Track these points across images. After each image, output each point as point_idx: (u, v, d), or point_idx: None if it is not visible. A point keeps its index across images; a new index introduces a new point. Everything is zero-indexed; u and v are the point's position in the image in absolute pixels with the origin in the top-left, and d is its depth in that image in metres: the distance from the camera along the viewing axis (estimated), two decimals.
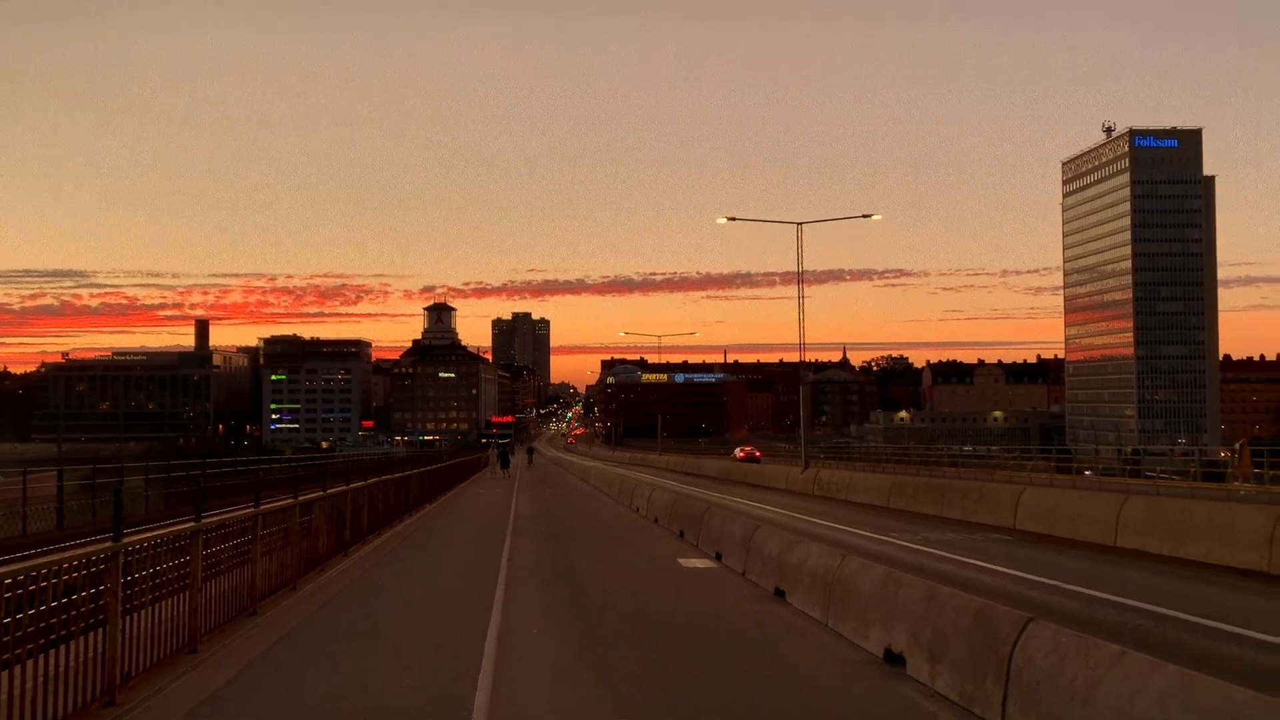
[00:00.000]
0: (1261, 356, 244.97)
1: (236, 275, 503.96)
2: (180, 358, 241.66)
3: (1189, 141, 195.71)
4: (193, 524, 9.28)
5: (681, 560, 16.54)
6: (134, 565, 7.88)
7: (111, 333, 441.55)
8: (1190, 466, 39.16)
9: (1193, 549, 16.18)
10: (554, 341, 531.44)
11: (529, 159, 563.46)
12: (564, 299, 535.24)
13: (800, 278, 41.92)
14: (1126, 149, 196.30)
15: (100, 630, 7.30)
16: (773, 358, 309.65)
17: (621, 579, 14.74)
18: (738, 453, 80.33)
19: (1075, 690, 5.96)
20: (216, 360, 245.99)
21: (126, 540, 7.69)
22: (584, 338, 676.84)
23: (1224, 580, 14.29)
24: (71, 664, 6.77)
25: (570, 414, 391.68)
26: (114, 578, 7.41)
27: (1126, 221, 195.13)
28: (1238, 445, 30.34)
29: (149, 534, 8.47)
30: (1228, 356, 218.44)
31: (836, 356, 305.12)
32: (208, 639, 9.48)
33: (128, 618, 7.67)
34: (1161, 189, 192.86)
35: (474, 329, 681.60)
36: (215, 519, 10.26)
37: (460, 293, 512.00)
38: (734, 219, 45.68)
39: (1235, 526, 15.68)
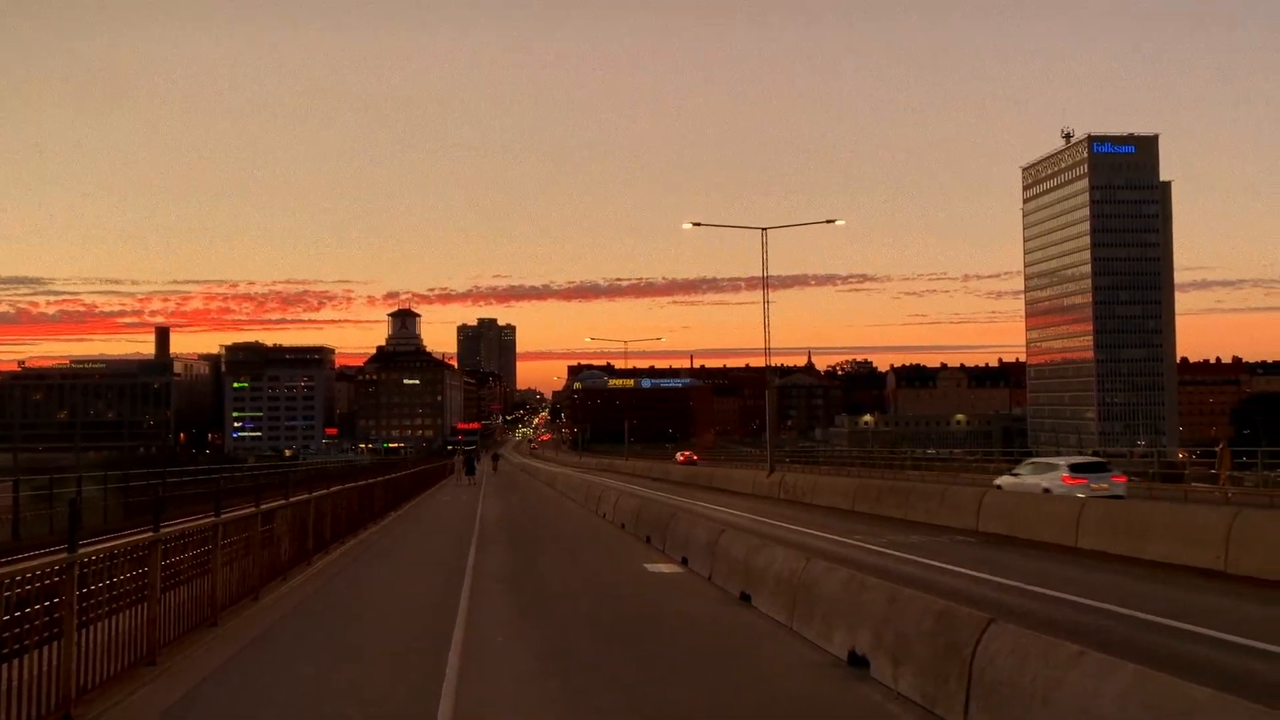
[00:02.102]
0: (1218, 359, 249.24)
1: (197, 282, 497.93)
2: (140, 366, 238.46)
3: (1146, 147, 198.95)
4: (151, 534, 9.14)
5: (648, 565, 16.53)
6: (90, 577, 7.75)
7: (69, 340, 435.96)
8: (1149, 468, 39.77)
9: (1152, 550, 16.39)
10: (520, 347, 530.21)
11: (493, 164, 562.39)
12: (530, 305, 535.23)
13: (765, 282, 42.14)
14: (1085, 155, 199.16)
15: (55, 643, 7.17)
16: (739, 362, 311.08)
17: (588, 585, 14.71)
18: (678, 457, 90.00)
19: (1036, 690, 6.01)
20: (177, 368, 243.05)
21: (82, 551, 7.56)
22: (550, 343, 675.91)
23: (1182, 580, 14.50)
24: (26, 677, 6.65)
25: (536, 420, 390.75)
26: (69, 590, 7.28)
27: (1086, 226, 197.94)
28: (1218, 447, 30.63)
29: (106, 545, 8.34)
30: (1185, 359, 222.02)
31: (802, 361, 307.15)
32: (167, 651, 9.33)
33: (84, 630, 7.54)
34: (1119, 194, 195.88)
35: (439, 335, 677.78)
36: (175, 529, 10.12)
37: (425, 299, 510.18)
38: (699, 224, 45.86)
39: (1193, 527, 15.92)
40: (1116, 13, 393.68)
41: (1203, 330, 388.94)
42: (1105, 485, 25.17)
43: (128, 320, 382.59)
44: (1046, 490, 25.22)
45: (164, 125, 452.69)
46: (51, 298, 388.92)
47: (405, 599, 13.79)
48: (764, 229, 41.54)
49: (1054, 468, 27.28)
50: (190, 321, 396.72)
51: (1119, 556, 16.87)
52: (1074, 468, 26.43)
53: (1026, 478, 27.64)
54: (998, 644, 6.67)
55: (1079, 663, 5.86)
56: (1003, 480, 29.01)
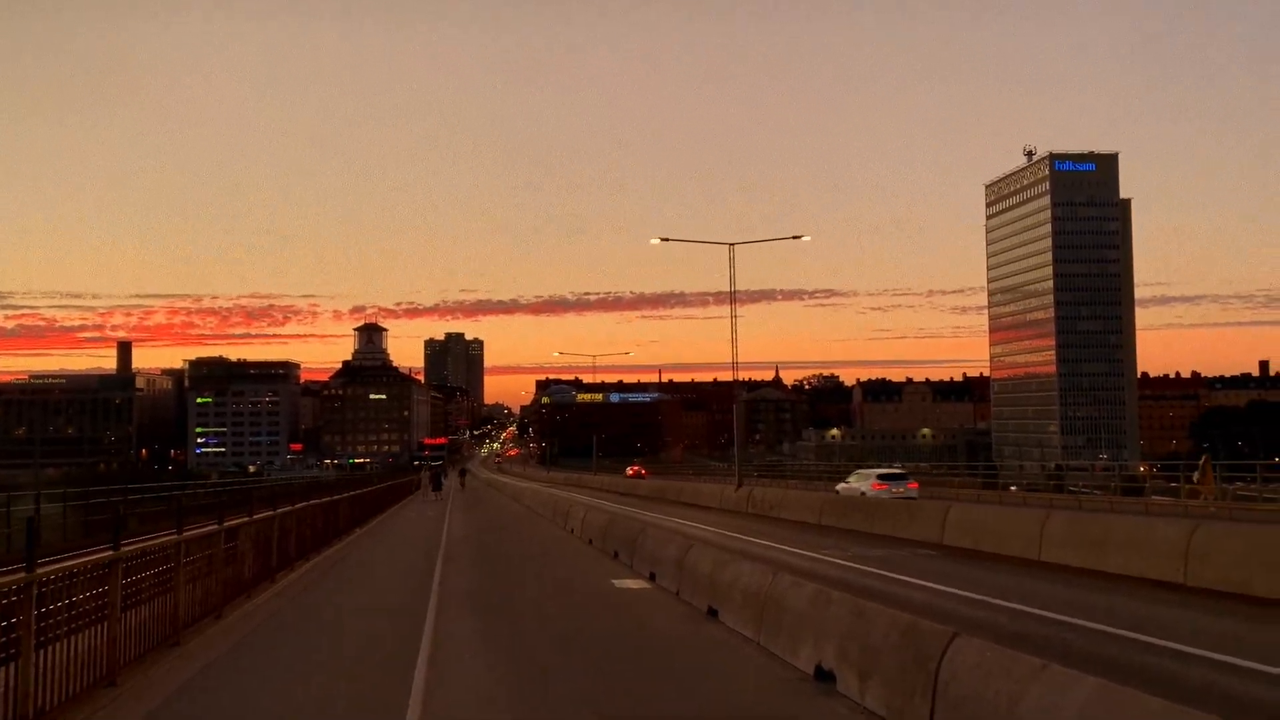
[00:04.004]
0: (1177, 374, 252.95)
1: (160, 296, 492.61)
2: (101, 381, 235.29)
3: (1106, 165, 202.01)
4: (111, 552, 9.02)
5: (615, 581, 16.51)
6: (49, 596, 7.64)
7: (28, 355, 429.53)
8: (1111, 481, 40.30)
9: (1113, 562, 16.60)
10: (488, 362, 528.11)
11: (460, 177, 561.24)
12: (497, 319, 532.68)
13: (733, 297, 42.34)
14: (1047, 172, 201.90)
15: (12, 664, 7.06)
16: (707, 377, 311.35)
17: (555, 601, 14.66)
18: (628, 471, 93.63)
19: (999, 704, 6.07)
20: (140, 383, 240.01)
21: (41, 571, 7.45)
22: (518, 358, 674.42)
23: (1143, 592, 14.67)
24: None
25: (504, 434, 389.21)
26: (27, 609, 7.17)
27: (1048, 243, 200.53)
28: (1201, 460, 31.02)
29: (65, 564, 8.22)
30: (1145, 374, 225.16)
31: (769, 375, 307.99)
32: (127, 671, 9.20)
33: (41, 651, 7.41)
34: (1080, 211, 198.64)
35: (406, 350, 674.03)
36: (136, 546, 9.99)
37: (391, 313, 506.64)
38: (667, 239, 45.94)
39: (1153, 540, 16.13)
40: (1078, 33, 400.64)
41: (1162, 345, 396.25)
42: (902, 490, 33.76)
43: (89, 335, 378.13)
44: (863, 493, 33.41)
45: (125, 137, 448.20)
46: (10, 311, 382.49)
47: (370, 616, 13.68)
48: (731, 244, 41.81)
49: (869, 476, 35.64)
50: (153, 336, 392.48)
51: (1081, 569, 17.06)
52: (880, 476, 35.24)
53: (853, 484, 35.98)
54: (962, 658, 6.73)
55: (1041, 676, 5.93)
56: (840, 486, 37.18)
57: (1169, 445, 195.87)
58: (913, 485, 35.41)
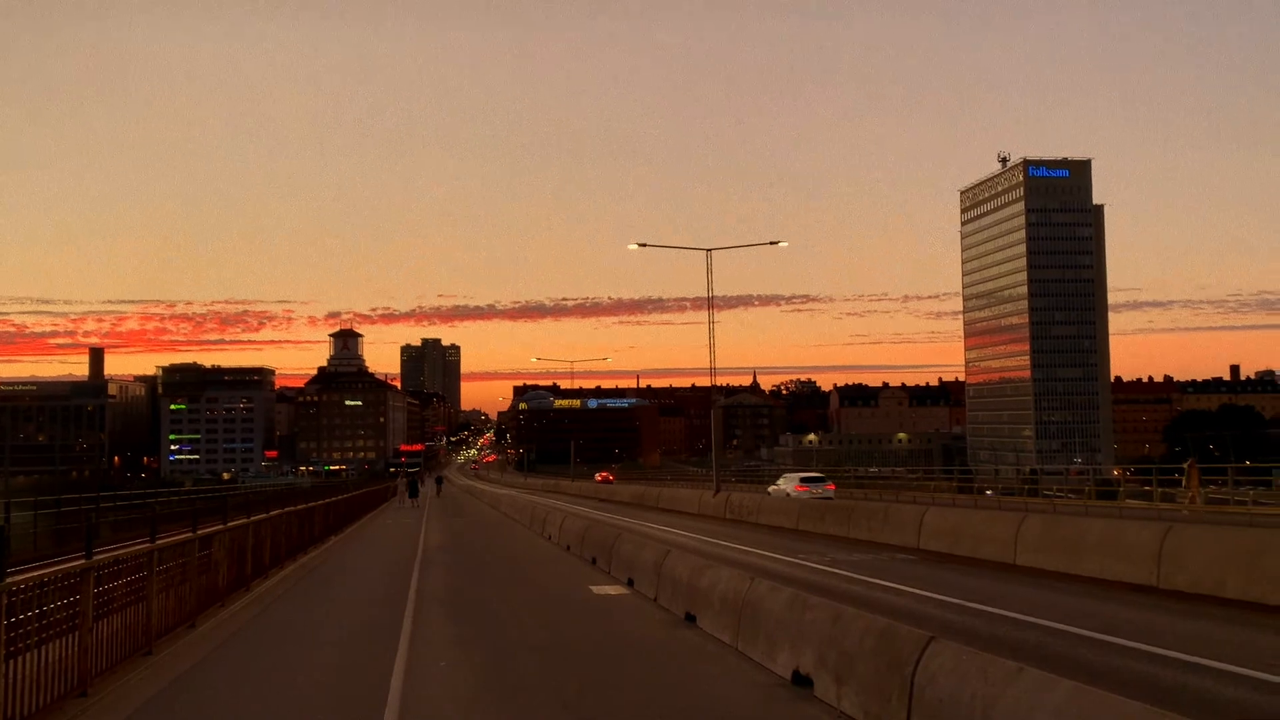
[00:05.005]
0: (1150, 378, 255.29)
1: (133, 302, 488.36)
2: (73, 388, 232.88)
3: (1079, 171, 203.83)
4: (83, 561, 8.92)
5: (593, 588, 16.48)
6: (19, 606, 7.55)
7: None
8: (1085, 485, 40.63)
9: (1087, 565, 16.72)
10: (465, 368, 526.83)
11: (437, 182, 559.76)
12: (474, 325, 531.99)
13: (710, 303, 42.40)
14: (1021, 178, 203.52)
15: None
16: (685, 382, 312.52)
17: (532, 608, 14.61)
18: (596, 477, 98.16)
19: (975, 707, 6.10)
20: (112, 390, 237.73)
21: (11, 580, 7.36)
22: (495, 364, 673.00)
23: (1117, 595, 14.79)
24: None
25: (481, 441, 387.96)
26: None
27: (1022, 249, 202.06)
28: (1186, 464, 31.24)
29: (36, 573, 8.13)
30: (1118, 378, 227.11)
31: (747, 380, 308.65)
32: (99, 681, 9.10)
33: (11, 661, 7.32)
34: (1054, 217, 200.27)
35: (382, 355, 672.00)
36: (108, 555, 9.89)
37: (367, 319, 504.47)
38: (644, 245, 45.85)
39: (1126, 543, 16.26)
40: (1052, 40, 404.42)
41: (1135, 350, 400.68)
42: (820, 491, 37.81)
43: (60, 341, 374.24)
44: (788, 494, 37.66)
45: (98, 140, 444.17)
46: None
47: (346, 624, 13.58)
48: (708, 250, 41.94)
49: (794, 480, 39.86)
50: (126, 343, 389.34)
51: (1055, 573, 17.18)
52: (802, 479, 39.29)
53: (781, 486, 40.51)
54: (938, 662, 6.76)
55: (1017, 679, 5.96)
56: (770, 489, 40.95)
57: (1142, 449, 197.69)
58: (830, 486, 38.94)
